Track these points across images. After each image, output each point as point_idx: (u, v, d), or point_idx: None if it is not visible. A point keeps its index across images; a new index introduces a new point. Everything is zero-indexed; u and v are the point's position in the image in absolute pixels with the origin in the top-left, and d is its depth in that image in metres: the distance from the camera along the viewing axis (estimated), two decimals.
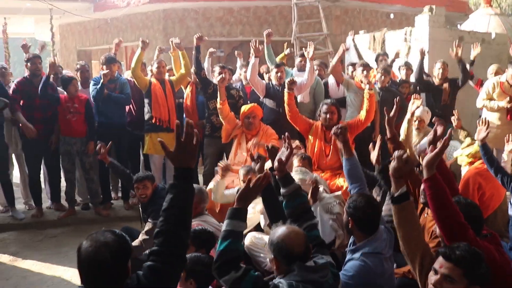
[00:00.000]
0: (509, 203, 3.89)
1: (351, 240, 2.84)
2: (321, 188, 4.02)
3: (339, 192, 4.22)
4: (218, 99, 5.34)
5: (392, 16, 11.98)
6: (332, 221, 3.74)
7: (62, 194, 6.07)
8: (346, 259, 2.76)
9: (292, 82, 5.09)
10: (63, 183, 6.02)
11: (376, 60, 7.12)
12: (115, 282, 1.73)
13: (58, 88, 5.91)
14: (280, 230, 2.22)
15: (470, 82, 6.68)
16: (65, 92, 5.77)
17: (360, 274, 2.59)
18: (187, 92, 6.28)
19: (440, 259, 2.00)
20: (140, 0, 10.60)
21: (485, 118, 4.08)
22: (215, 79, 5.62)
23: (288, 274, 2.12)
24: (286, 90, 5.10)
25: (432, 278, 2.00)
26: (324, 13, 9.79)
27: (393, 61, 7.23)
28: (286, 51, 7.05)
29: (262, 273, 2.96)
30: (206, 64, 6.73)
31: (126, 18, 11.32)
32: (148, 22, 11.63)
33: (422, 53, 6.46)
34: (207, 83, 5.79)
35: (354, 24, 11.14)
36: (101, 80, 5.62)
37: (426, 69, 7.24)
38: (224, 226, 2.16)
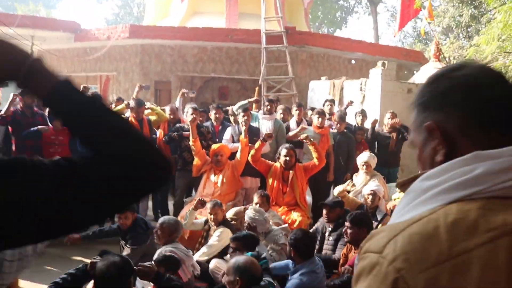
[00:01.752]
0: None
1: (291, 266, 3.59)
2: (271, 222, 4.75)
3: (286, 225, 5.01)
4: (191, 137, 5.97)
5: (353, 62, 12.96)
6: (271, 252, 4.38)
7: None
8: (288, 280, 3.48)
9: (270, 136, 5.85)
10: None
11: (324, 104, 7.87)
12: None
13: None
14: (243, 258, 2.95)
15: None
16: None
17: None
18: (160, 129, 6.79)
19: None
20: (120, 35, 11.18)
21: None
22: (187, 118, 6.32)
23: None
24: (261, 139, 5.77)
25: None
26: (290, 57, 10.55)
27: (346, 107, 8.13)
28: (253, 99, 7.52)
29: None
30: (177, 104, 7.36)
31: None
32: (126, 55, 12.22)
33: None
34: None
35: (318, 68, 12.00)
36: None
37: (378, 117, 8.15)
38: None
